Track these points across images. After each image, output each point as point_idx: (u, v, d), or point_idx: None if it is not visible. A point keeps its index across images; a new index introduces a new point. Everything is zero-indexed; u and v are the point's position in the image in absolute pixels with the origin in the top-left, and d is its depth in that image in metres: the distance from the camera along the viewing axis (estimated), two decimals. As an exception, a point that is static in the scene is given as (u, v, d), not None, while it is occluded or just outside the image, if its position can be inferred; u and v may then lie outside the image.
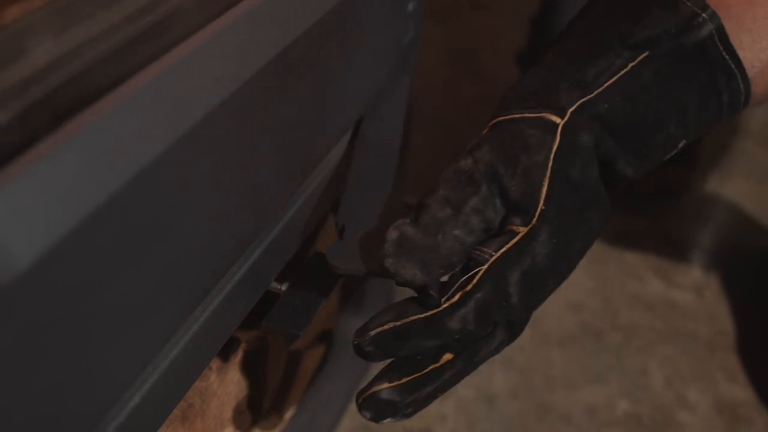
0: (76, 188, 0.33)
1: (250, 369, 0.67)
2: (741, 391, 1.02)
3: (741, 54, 0.56)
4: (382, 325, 0.50)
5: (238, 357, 0.64)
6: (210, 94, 0.42)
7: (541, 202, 0.50)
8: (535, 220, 0.50)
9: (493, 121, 0.55)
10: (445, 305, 0.49)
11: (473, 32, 1.76)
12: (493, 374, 1.02)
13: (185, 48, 0.41)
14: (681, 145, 0.57)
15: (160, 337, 0.45)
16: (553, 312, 1.10)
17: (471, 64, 1.63)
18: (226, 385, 0.63)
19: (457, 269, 0.51)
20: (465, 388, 1.00)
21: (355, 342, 0.51)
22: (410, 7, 0.69)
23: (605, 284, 1.16)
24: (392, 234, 0.50)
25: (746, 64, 0.56)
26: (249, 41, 0.45)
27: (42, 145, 0.33)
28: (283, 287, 0.60)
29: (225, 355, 0.62)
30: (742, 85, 0.56)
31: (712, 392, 1.02)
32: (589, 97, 0.54)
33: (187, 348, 0.48)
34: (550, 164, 0.51)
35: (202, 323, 0.49)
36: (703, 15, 0.55)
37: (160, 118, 0.38)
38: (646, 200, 1.29)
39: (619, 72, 0.55)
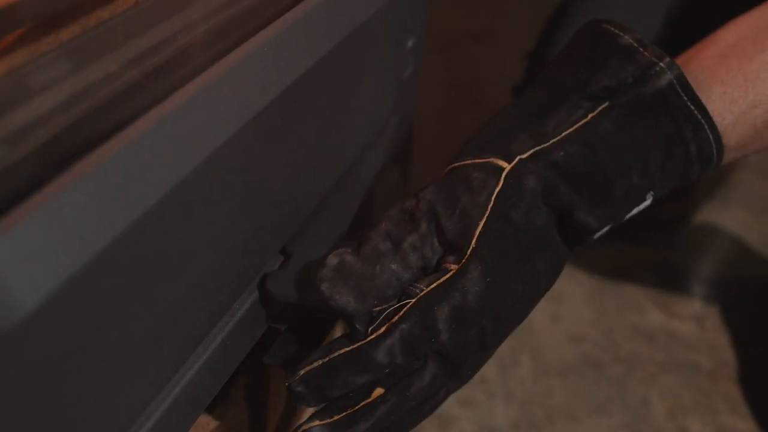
0: (80, 231, 0.33)
1: (251, 403, 0.67)
2: (743, 422, 1.02)
3: (710, 106, 0.56)
4: (311, 364, 0.50)
5: (239, 391, 0.64)
6: (214, 135, 0.42)
7: (474, 240, 0.50)
8: (465, 258, 0.50)
9: (447, 168, 0.56)
10: (371, 337, 0.49)
11: (473, 64, 1.77)
12: (495, 407, 1.02)
13: (188, 90, 0.42)
14: (649, 196, 0.56)
15: (163, 375, 0.45)
16: (554, 343, 1.10)
17: (471, 95, 1.65)
18: (227, 421, 0.63)
19: (391, 304, 0.51)
20: (466, 422, 1.00)
21: (287, 384, 0.51)
22: (410, 43, 0.70)
23: (605, 315, 1.16)
24: (332, 260, 0.51)
25: (716, 116, 0.56)
26: (251, 82, 0.45)
27: (47, 189, 0.33)
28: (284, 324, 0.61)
29: (225, 390, 0.62)
30: (711, 136, 0.56)
31: (714, 423, 1.02)
32: (544, 145, 0.54)
33: (190, 385, 0.48)
34: (491, 206, 0.51)
35: (204, 360, 0.49)
36: (661, 64, 0.55)
37: (162, 160, 0.39)
38: (645, 231, 1.30)
39: (578, 122, 0.55)
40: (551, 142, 0.54)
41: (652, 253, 1.28)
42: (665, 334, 1.14)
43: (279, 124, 0.50)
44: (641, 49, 0.56)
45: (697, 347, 1.12)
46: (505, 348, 1.06)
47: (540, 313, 1.13)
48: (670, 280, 1.23)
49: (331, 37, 0.53)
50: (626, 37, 0.56)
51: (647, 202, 0.57)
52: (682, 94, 0.55)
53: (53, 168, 0.35)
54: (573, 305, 1.16)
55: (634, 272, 1.24)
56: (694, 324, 1.16)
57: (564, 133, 0.54)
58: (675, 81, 0.55)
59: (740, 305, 1.19)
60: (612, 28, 0.57)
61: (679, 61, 0.59)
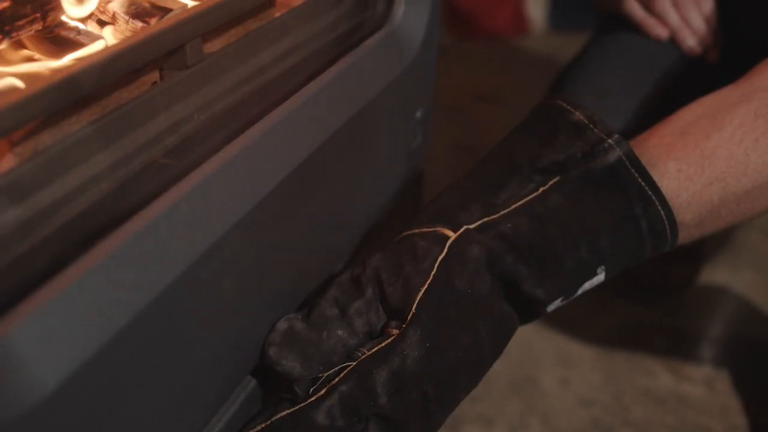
0: (99, 314, 0.34)
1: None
2: (755, 489, 1.01)
3: (665, 182, 0.56)
4: (254, 427, 0.50)
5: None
6: (230, 213, 0.44)
7: (414, 305, 0.51)
8: (406, 323, 0.50)
9: (398, 237, 0.56)
10: (311, 399, 0.49)
11: (480, 126, 1.80)
12: (505, 472, 1.02)
13: (204, 170, 0.43)
14: (601, 270, 0.56)
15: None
16: (564, 407, 1.10)
17: (476, 157, 1.66)
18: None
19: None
20: (476, 487, 0.99)
21: None
22: (418, 114, 0.72)
23: (615, 379, 1.15)
24: (282, 325, 0.52)
25: (670, 192, 0.56)
26: (265, 161, 0.47)
27: (67, 272, 0.34)
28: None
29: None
30: (662, 212, 0.56)
31: (726, 489, 1.01)
32: (493, 216, 0.54)
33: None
34: (433, 273, 0.52)
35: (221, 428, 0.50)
36: (609, 141, 0.56)
37: (180, 240, 0.40)
38: (653, 293, 1.30)
39: (528, 195, 0.55)
40: (501, 213, 0.55)
41: (661, 315, 1.28)
42: (675, 398, 1.13)
43: (290, 200, 0.51)
44: (591, 126, 0.56)
45: (708, 411, 1.12)
46: (514, 411, 1.06)
47: (549, 377, 1.13)
48: (679, 342, 1.23)
49: (342, 114, 0.55)
50: (577, 113, 0.57)
51: (599, 277, 0.56)
52: (632, 171, 0.55)
53: (73, 250, 0.36)
54: (582, 368, 1.16)
55: (643, 334, 1.24)
56: (704, 387, 1.15)
57: (514, 206, 0.55)
58: (624, 157, 0.55)
59: (751, 367, 1.19)
60: (564, 104, 0.58)
61: (640, 137, 0.60)
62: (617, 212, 0.55)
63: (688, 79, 0.88)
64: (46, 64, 0.46)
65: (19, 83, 0.44)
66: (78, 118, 0.43)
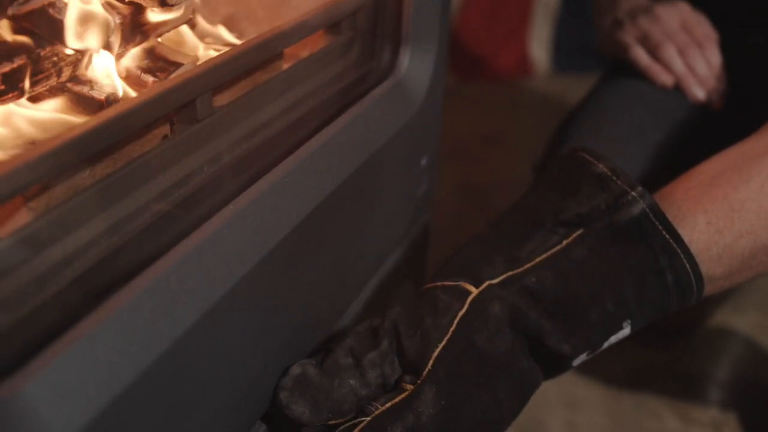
0: (110, 367, 0.35)
1: None
2: None
3: (695, 236, 0.56)
4: None
5: None
6: (239, 265, 0.44)
7: (431, 362, 0.50)
8: (421, 379, 0.50)
9: (420, 289, 0.56)
10: None
11: (484, 167, 1.81)
12: None
13: (213, 224, 0.44)
14: (626, 324, 0.55)
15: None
16: (571, 451, 1.09)
17: (485, 200, 1.67)
18: None
19: (348, 418, 0.51)
20: None
21: None
22: (424, 161, 0.73)
23: (622, 422, 1.15)
24: (295, 370, 0.52)
25: (701, 246, 0.55)
26: (273, 213, 0.48)
27: (79, 326, 0.35)
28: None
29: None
30: (687, 265, 0.55)
31: None
32: (517, 270, 0.54)
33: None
34: (452, 329, 0.51)
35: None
36: (633, 193, 0.55)
37: (189, 293, 0.40)
38: (659, 336, 1.29)
39: (552, 248, 0.55)
40: (525, 267, 0.54)
41: (668, 358, 1.27)
42: (683, 441, 1.13)
43: (298, 250, 0.51)
44: (614, 178, 0.56)
45: (716, 455, 1.11)
46: (521, 456, 1.05)
47: (555, 420, 1.12)
48: (686, 385, 1.22)
49: (349, 165, 0.56)
50: (600, 165, 0.57)
51: (625, 330, 0.56)
52: (657, 223, 0.55)
53: (84, 304, 0.37)
54: (588, 411, 1.15)
55: (650, 377, 1.23)
56: (712, 431, 1.15)
57: (538, 259, 0.55)
58: (648, 210, 0.55)
59: (758, 411, 1.18)
60: (586, 156, 0.58)
61: (665, 190, 0.60)
62: (642, 265, 0.55)
63: (695, 126, 0.89)
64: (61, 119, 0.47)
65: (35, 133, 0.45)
66: (91, 172, 0.44)
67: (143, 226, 0.43)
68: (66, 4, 0.46)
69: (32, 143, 0.45)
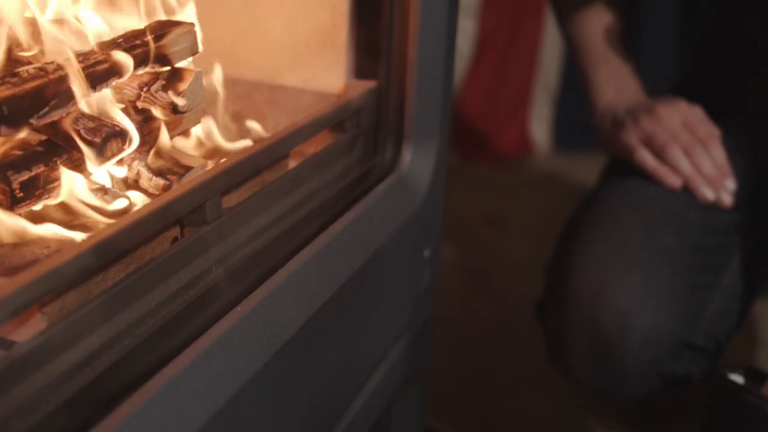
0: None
1: None
2: None
3: None
4: None
5: None
6: (247, 366, 0.45)
7: None
8: None
9: None
10: None
11: (487, 248, 1.82)
12: None
13: (222, 326, 0.45)
14: None
15: None
16: None
17: (487, 281, 1.67)
18: None
19: None
20: None
21: None
22: (427, 253, 0.74)
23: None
24: None
25: None
26: (277, 315, 0.49)
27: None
28: None
29: None
30: None
31: None
32: None
33: None
34: None
35: None
36: None
37: (198, 397, 0.41)
38: (669, 419, 1.28)
39: None
40: None
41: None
42: None
43: (304, 348, 0.52)
44: None
45: None
46: None
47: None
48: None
49: (353, 263, 0.57)
50: None
51: None
52: None
53: (97, 409, 0.38)
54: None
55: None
56: None
57: None
58: None
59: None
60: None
61: None
62: None
63: (707, 223, 0.88)
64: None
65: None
66: (103, 276, 0.45)
67: (152, 330, 0.44)
68: (84, 116, 0.48)
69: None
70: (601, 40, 1.02)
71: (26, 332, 0.43)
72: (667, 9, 1.85)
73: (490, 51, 2.17)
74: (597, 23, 1.03)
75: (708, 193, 0.89)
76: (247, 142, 0.63)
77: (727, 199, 0.89)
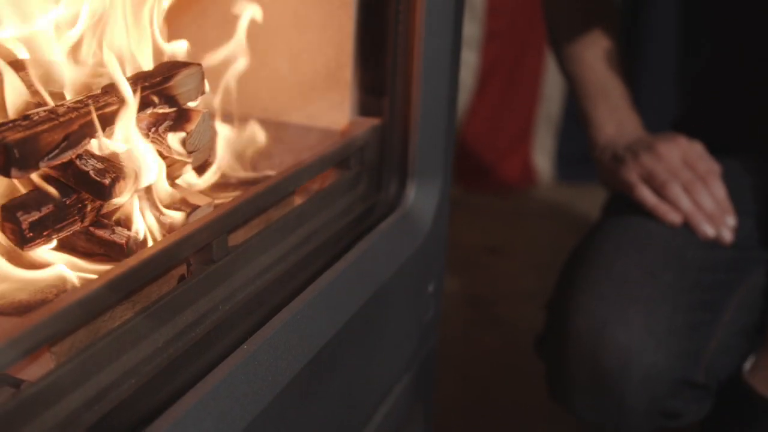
0: None
1: None
2: None
3: None
4: None
5: None
6: (254, 403, 0.46)
7: None
8: None
9: None
10: None
11: (491, 278, 1.82)
12: None
13: (230, 362, 0.46)
14: None
15: None
16: None
17: (492, 312, 1.67)
18: None
19: None
20: None
21: None
22: (430, 288, 0.75)
23: None
24: None
25: None
26: (283, 352, 0.49)
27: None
28: None
29: None
30: None
31: None
32: None
33: None
34: None
35: None
36: None
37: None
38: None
39: None
40: None
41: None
42: None
43: (309, 384, 0.53)
44: None
45: None
46: None
47: None
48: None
49: (358, 300, 0.58)
50: None
51: None
52: None
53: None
54: None
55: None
56: None
57: None
58: None
59: None
60: None
61: None
62: None
63: (707, 259, 0.88)
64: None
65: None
66: (111, 314, 0.46)
67: (160, 369, 0.45)
68: (93, 156, 0.49)
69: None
70: (598, 75, 1.03)
71: (35, 370, 0.43)
72: (667, 44, 1.87)
73: (492, 83, 2.18)
74: (593, 56, 1.03)
75: (709, 230, 0.90)
76: (254, 176, 0.64)
77: (728, 236, 0.90)
